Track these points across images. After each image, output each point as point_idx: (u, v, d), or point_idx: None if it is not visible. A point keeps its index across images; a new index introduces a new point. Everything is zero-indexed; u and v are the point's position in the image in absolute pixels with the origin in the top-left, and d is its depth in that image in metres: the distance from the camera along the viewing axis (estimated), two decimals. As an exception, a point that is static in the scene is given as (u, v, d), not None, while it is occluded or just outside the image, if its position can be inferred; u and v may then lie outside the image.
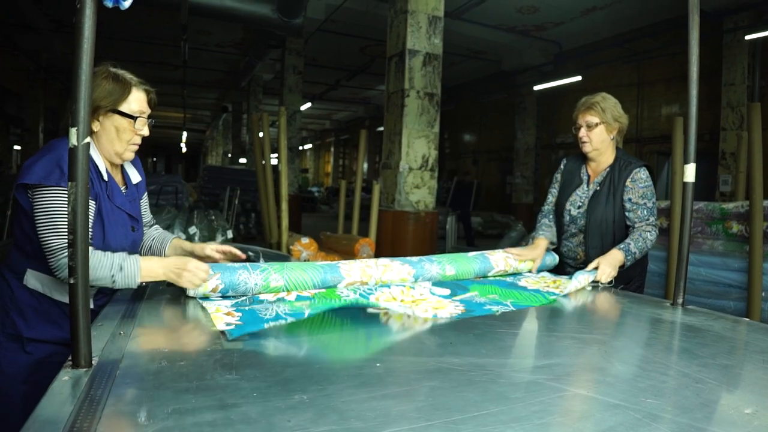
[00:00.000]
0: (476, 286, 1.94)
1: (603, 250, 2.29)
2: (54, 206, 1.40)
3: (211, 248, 1.80)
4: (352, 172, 25.82)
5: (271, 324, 1.29)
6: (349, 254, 4.89)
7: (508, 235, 8.32)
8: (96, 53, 0.94)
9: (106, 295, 1.65)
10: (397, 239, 5.12)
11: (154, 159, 47.46)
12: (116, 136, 1.58)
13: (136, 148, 1.66)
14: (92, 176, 1.52)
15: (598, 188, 2.42)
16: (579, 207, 2.47)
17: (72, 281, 0.95)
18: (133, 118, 1.57)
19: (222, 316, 1.38)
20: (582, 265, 2.38)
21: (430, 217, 5.29)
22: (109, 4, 0.93)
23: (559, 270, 2.51)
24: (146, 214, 1.87)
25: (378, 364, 1.10)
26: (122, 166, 1.72)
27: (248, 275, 1.61)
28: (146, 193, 1.89)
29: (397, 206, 5.17)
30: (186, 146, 36.36)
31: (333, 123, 29.00)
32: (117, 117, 1.55)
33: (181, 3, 6.83)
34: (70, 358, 0.96)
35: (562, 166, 2.64)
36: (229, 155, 22.14)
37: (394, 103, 5.26)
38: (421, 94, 5.14)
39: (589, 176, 2.50)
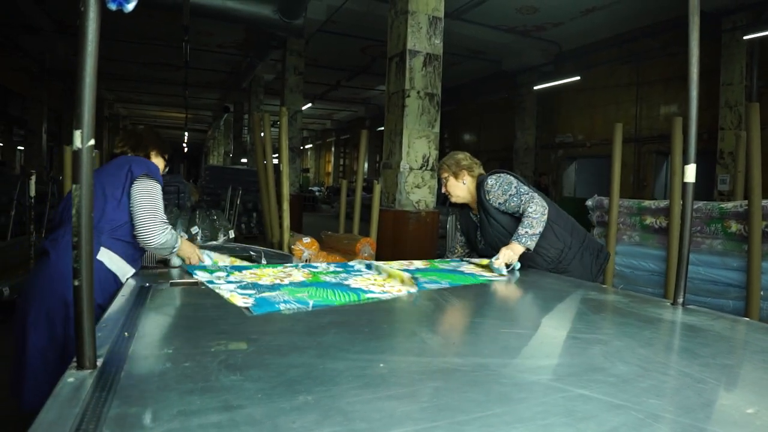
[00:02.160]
0: (419, 273, 2.28)
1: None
2: (155, 193, 2.11)
3: None
4: (353, 172, 25.82)
5: (284, 306, 1.53)
6: (350, 254, 4.89)
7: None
8: (99, 54, 0.95)
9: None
10: (398, 238, 5.13)
11: (155, 159, 47.45)
12: (160, 168, 2.37)
13: None
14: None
15: (478, 217, 2.80)
16: (480, 241, 2.85)
17: (77, 283, 0.95)
18: (166, 162, 2.47)
19: (238, 299, 1.60)
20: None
21: (430, 217, 5.29)
22: (113, 7, 0.93)
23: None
24: None
25: (381, 365, 1.10)
26: None
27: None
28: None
29: (397, 206, 5.17)
30: (188, 146, 36.39)
31: (334, 123, 29.01)
32: (161, 159, 2.44)
33: (183, 4, 6.84)
34: (75, 359, 0.97)
35: (457, 222, 3.08)
36: (231, 155, 22.16)
37: (394, 104, 5.26)
38: (422, 95, 5.15)
39: (476, 215, 2.87)
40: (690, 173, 1.82)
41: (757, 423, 0.92)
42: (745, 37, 8.73)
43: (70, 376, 0.92)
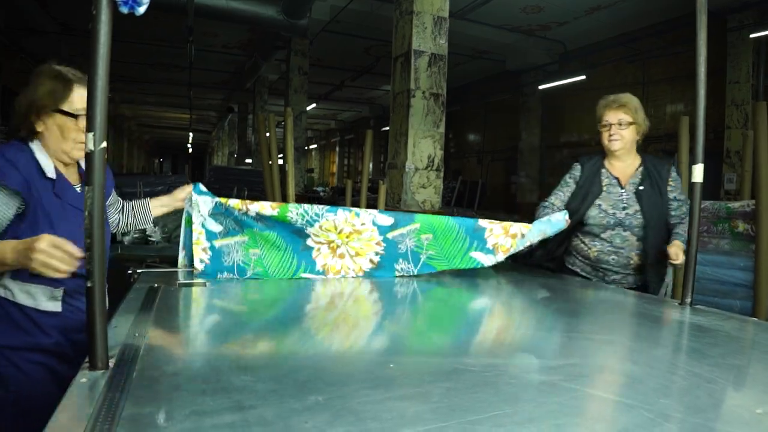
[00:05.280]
0: (422, 218, 1.97)
1: (661, 249, 2.26)
2: None
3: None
4: (357, 172, 25.84)
5: (225, 274, 1.83)
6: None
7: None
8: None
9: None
10: (404, 239, 5.13)
11: (161, 159, 47.71)
12: (61, 136, 1.55)
13: None
14: (32, 174, 1.49)
15: (641, 188, 2.36)
16: (624, 209, 2.36)
17: (89, 284, 0.96)
18: (75, 116, 1.53)
19: (200, 250, 1.84)
20: (632, 271, 2.35)
21: (436, 217, 5.29)
22: (125, 10, 0.94)
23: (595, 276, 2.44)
24: (115, 205, 2.02)
25: (391, 365, 1.11)
26: (78, 164, 1.69)
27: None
28: (113, 189, 1.97)
29: (403, 206, 5.17)
30: (192, 147, 36.51)
31: (338, 123, 29.01)
32: (60, 116, 1.53)
33: (188, 5, 6.86)
34: (87, 360, 0.97)
35: (577, 172, 2.53)
36: (235, 155, 22.20)
37: (399, 104, 5.27)
38: (427, 95, 5.15)
39: (617, 178, 2.42)
40: (698, 173, 1.82)
41: (766, 422, 0.92)
42: (751, 36, 8.69)
43: (83, 377, 0.92)
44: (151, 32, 11.93)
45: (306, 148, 13.43)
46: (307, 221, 1.88)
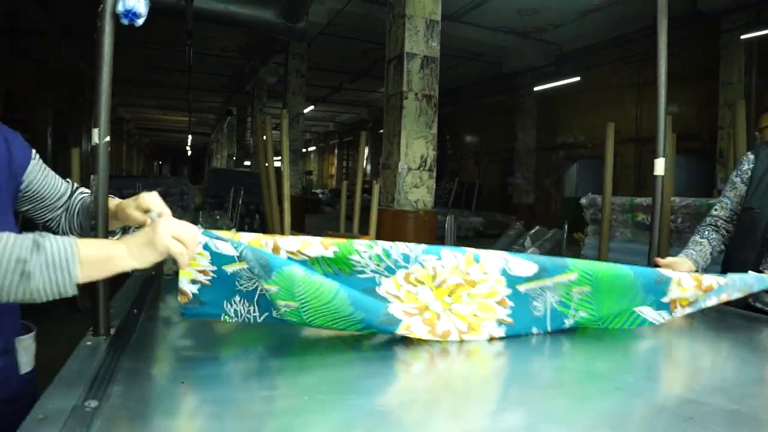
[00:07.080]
0: (581, 266, 1.23)
1: None
2: None
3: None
4: (356, 174, 25.97)
5: (231, 318, 1.13)
6: (349, 252, 5.03)
7: (506, 234, 8.45)
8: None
9: None
10: (397, 237, 5.21)
11: (160, 162, 47.96)
12: None
13: None
14: None
15: None
16: None
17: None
18: None
19: (194, 272, 1.10)
20: None
21: (428, 216, 5.42)
22: (125, 22, 1.07)
23: None
24: (55, 187, 1.25)
25: (363, 347, 1.21)
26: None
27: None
28: (40, 163, 1.25)
29: (396, 205, 5.30)
30: (191, 149, 36.72)
31: (336, 125, 29.17)
32: None
33: (186, 9, 7.00)
34: (91, 327, 1.11)
35: (746, 165, 1.96)
36: (234, 158, 22.36)
37: (393, 105, 5.40)
38: (419, 96, 5.28)
39: None
40: (659, 167, 1.95)
41: (690, 379, 1.05)
42: (742, 37, 8.81)
43: (88, 341, 1.06)
44: (151, 36, 12.08)
45: (305, 150, 13.62)
46: (386, 268, 1.15)
